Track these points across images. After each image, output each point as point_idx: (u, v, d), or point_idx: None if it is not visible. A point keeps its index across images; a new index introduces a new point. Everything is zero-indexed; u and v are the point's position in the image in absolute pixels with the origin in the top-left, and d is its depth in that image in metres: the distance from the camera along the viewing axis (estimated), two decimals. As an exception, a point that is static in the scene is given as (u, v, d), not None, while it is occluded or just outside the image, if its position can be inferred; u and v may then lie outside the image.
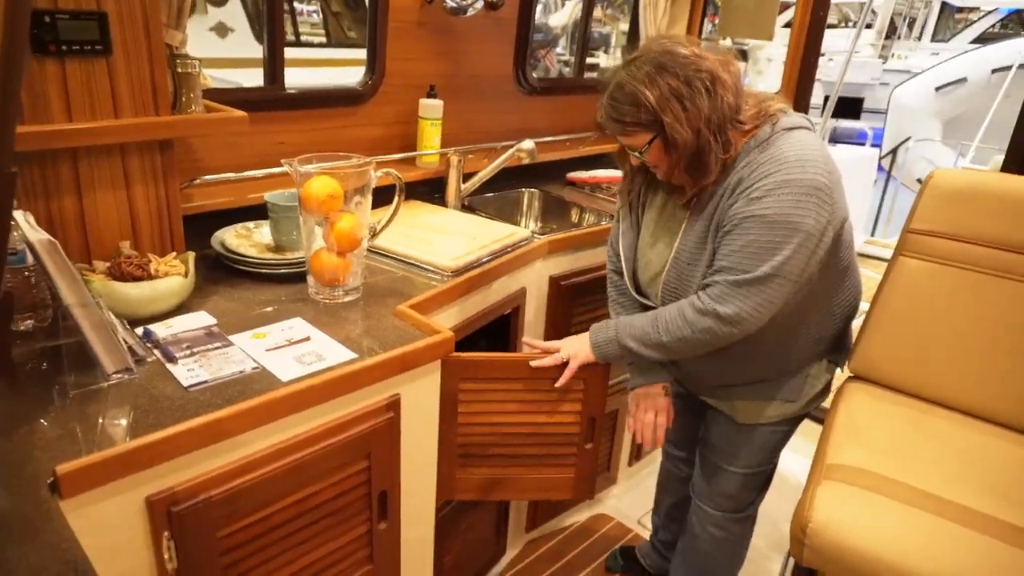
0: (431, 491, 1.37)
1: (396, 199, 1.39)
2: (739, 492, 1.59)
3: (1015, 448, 1.25)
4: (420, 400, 1.26)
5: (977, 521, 1.09)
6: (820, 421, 1.52)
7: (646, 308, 1.42)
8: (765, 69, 4.29)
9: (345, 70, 1.95)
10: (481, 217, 1.87)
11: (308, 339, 1.21)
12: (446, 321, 1.47)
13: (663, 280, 1.36)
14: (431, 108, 1.93)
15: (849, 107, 8.81)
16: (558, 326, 1.85)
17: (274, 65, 1.68)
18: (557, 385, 1.38)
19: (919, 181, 5.52)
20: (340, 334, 1.22)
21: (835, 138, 5.81)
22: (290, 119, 1.75)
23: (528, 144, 1.87)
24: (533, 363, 1.37)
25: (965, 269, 1.27)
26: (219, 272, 1.43)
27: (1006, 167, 1.87)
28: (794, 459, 2.13)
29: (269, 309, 1.30)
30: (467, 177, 1.97)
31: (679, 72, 1.16)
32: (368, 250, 1.59)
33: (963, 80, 5.80)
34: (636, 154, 1.25)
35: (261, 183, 1.63)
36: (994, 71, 5.67)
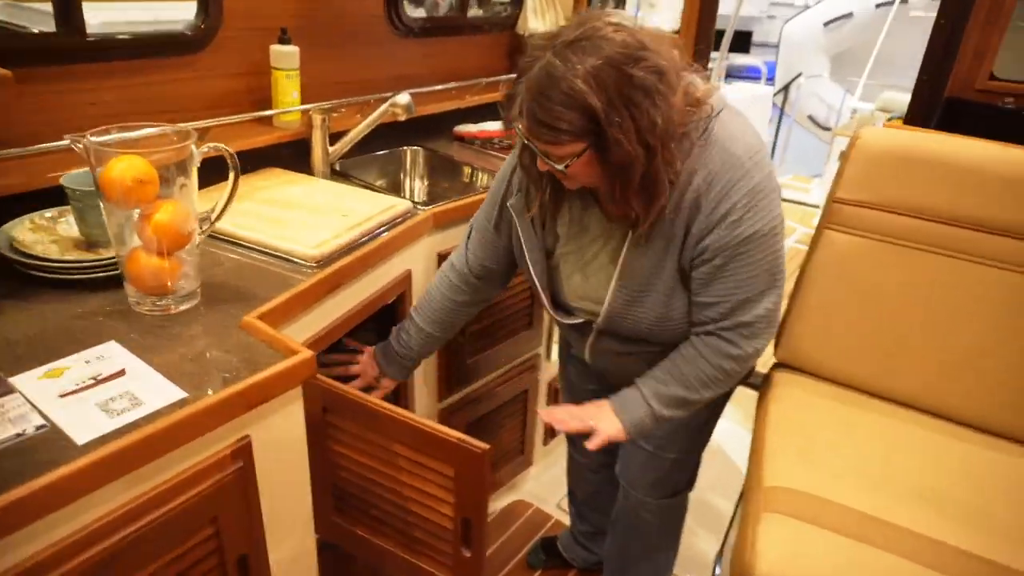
0: (307, 537, 1.12)
1: (230, 179, 1.09)
2: (671, 475, 1.45)
3: (960, 446, 1.14)
4: (279, 437, 1.00)
5: (934, 555, 0.97)
6: (754, 387, 1.37)
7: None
8: (658, 1, 4.08)
9: (174, 4, 1.56)
10: (354, 186, 1.59)
11: (122, 373, 0.91)
12: (313, 324, 1.20)
13: (607, 311, 1.17)
14: (284, 56, 1.60)
15: (738, 41, 8.85)
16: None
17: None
18: (592, 447, 1.17)
19: (811, 119, 5.58)
20: (167, 362, 0.93)
21: (729, 74, 5.75)
22: (101, 74, 1.38)
23: (403, 98, 1.59)
24: (558, 427, 1.21)
25: (898, 244, 1.13)
26: (7, 280, 1.09)
27: (911, 119, 1.75)
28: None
29: (74, 331, 0.99)
30: (336, 138, 1.67)
31: (629, 71, 0.91)
32: (211, 237, 1.29)
33: (849, 15, 5.84)
34: (560, 167, 1.00)
35: (66, 159, 1.28)
36: (878, 6, 5.73)
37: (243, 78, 1.62)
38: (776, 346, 1.24)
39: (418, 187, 1.99)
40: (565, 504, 2.09)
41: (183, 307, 1.08)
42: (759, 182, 1.02)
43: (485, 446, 1.01)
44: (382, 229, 1.39)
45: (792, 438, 1.13)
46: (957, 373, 1.12)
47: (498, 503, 2.07)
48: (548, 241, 1.21)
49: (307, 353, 0.97)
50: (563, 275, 1.22)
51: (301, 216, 1.36)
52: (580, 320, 1.23)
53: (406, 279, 1.46)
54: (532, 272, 1.21)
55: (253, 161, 1.61)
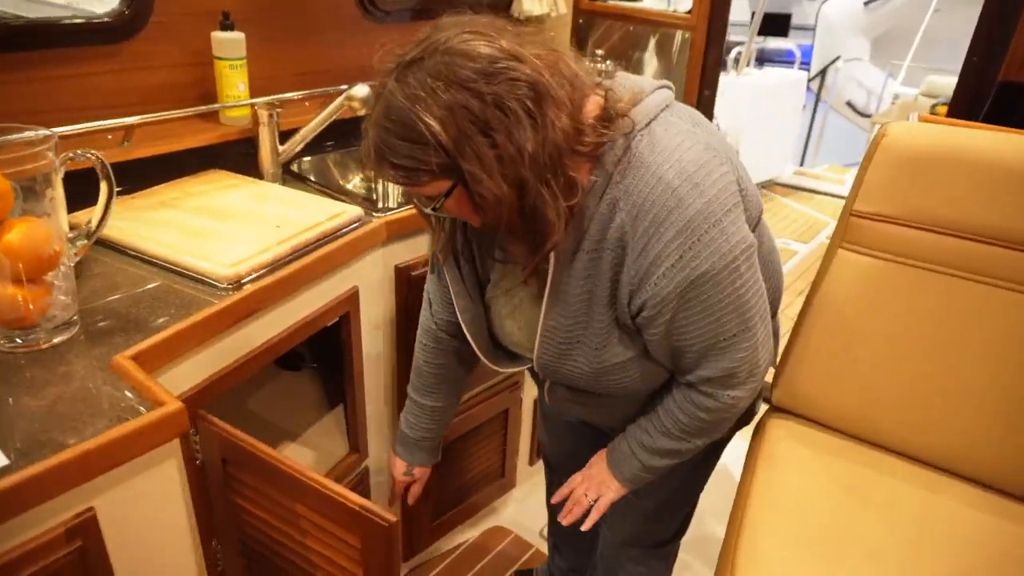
0: None
1: (103, 192, 0.92)
2: (651, 527, 1.28)
3: (984, 517, 0.91)
4: (145, 505, 0.84)
5: None
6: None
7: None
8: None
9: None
10: (308, 190, 1.42)
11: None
12: (223, 356, 1.04)
13: (537, 362, 1.01)
14: (227, 44, 1.44)
15: (776, 24, 8.41)
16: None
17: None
18: (585, 528, 1.11)
19: (849, 105, 5.24)
20: (2, 417, 0.78)
21: (762, 58, 5.40)
22: (8, 65, 1.23)
23: (361, 90, 1.41)
24: (563, 519, 1.13)
25: (931, 269, 0.90)
26: None
27: (956, 107, 1.50)
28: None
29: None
30: (290, 137, 1.50)
31: (484, 90, 0.73)
32: (120, 253, 1.14)
33: (892, -7, 5.48)
34: (428, 210, 0.86)
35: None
36: (924, -17, 5.35)
37: (184, 69, 1.46)
38: (773, 386, 1.04)
39: (394, 190, 1.82)
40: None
41: (57, 339, 0.93)
42: (699, 211, 0.80)
43: (392, 518, 0.84)
44: (323, 241, 1.22)
45: (778, 514, 0.92)
46: (1003, 434, 0.90)
47: (475, 530, 1.90)
48: (482, 283, 1.05)
49: (175, 406, 0.81)
50: (495, 320, 1.05)
51: (229, 228, 1.20)
52: (525, 367, 1.06)
53: (352, 297, 1.29)
54: (460, 320, 1.03)
55: (198, 161, 1.46)
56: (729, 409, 0.96)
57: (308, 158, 1.64)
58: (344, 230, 1.27)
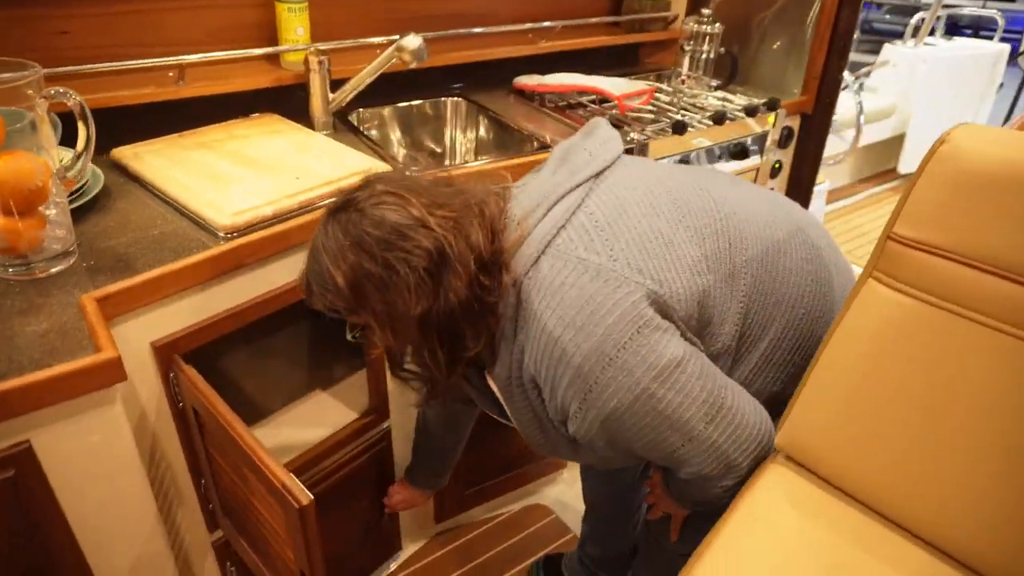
0: (154, 543, 0.98)
1: (82, 133, 0.93)
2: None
3: None
4: (88, 445, 0.85)
5: None
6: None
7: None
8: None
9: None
10: (351, 143, 1.38)
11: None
12: (204, 307, 1.03)
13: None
14: (287, -15, 1.41)
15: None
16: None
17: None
18: (673, 539, 1.12)
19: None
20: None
21: (955, 27, 4.61)
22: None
23: (412, 42, 1.34)
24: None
25: (974, 320, 0.68)
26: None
27: None
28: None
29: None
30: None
31: (382, 256, 0.79)
32: (143, 188, 1.17)
33: None
34: (349, 336, 0.91)
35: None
36: None
37: (247, 10, 1.46)
38: (778, 426, 0.86)
39: (452, 146, 1.75)
40: (590, 522, 1.83)
41: (55, 269, 0.96)
42: (586, 356, 0.79)
43: (305, 500, 0.80)
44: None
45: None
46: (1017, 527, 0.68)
47: (512, 505, 1.85)
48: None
49: (109, 355, 0.80)
50: None
51: (250, 175, 1.19)
52: None
53: (368, 257, 1.25)
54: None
55: (260, 104, 1.47)
56: (738, 480, 0.88)
57: (369, 109, 1.60)
58: (368, 187, 1.22)
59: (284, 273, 1.13)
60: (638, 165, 0.96)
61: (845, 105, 3.26)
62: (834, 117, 2.41)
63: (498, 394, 0.94)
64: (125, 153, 1.25)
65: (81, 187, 1.10)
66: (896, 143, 3.72)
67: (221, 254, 1.02)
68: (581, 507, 1.84)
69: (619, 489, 1.44)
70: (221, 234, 1.05)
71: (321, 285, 0.82)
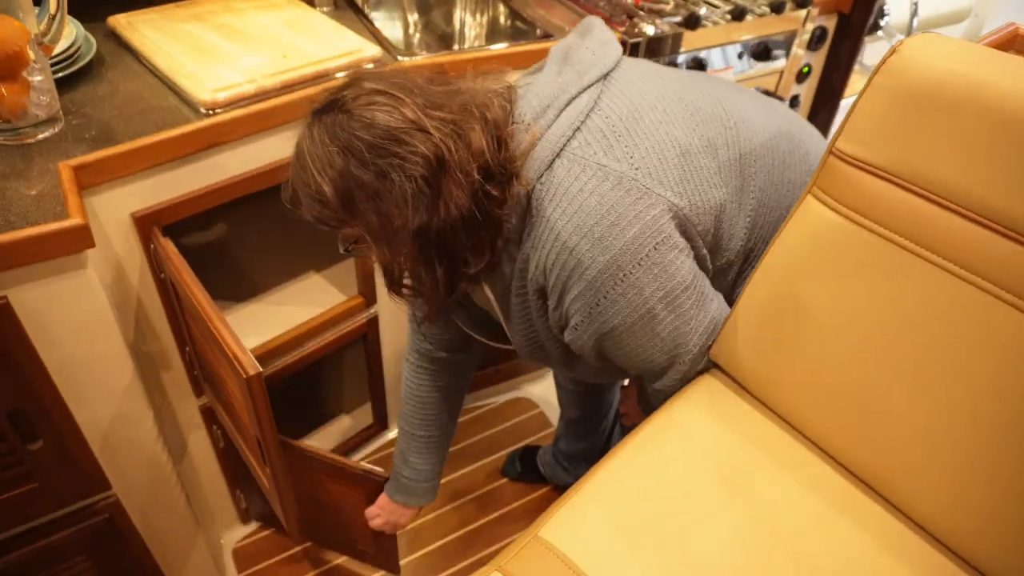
0: (133, 402, 1.06)
1: (52, 3, 0.92)
2: None
3: (888, 560, 0.71)
4: (63, 303, 0.90)
5: None
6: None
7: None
8: None
9: None
10: (347, 22, 1.35)
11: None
12: (184, 181, 1.06)
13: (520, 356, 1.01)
14: None
15: None
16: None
17: None
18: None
19: None
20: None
21: None
22: None
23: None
24: None
25: (906, 248, 0.64)
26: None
27: None
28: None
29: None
30: (348, -41, 1.41)
31: (374, 162, 0.71)
32: (133, 57, 1.18)
33: None
34: (342, 249, 0.85)
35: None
36: None
37: None
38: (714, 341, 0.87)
39: (461, 30, 1.69)
40: (573, 418, 1.90)
41: (42, 135, 0.99)
42: (602, 270, 0.76)
43: (254, 370, 0.85)
44: (322, 79, 1.17)
45: (627, 482, 0.77)
46: (930, 461, 0.68)
47: (498, 398, 1.92)
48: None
49: (76, 221, 0.84)
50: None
51: (237, 50, 1.18)
52: None
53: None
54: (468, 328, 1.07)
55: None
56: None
57: (377, -13, 1.55)
58: (353, 69, 1.20)
59: (270, 152, 1.14)
60: (643, 68, 0.90)
61: (903, 5, 3.00)
62: (886, 18, 2.24)
63: (494, 304, 0.92)
64: (120, 21, 1.24)
65: (72, 54, 1.11)
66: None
67: (199, 130, 1.03)
68: (564, 403, 1.92)
69: (592, 391, 1.48)
70: (202, 109, 1.06)
71: (308, 195, 0.76)
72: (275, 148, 1.14)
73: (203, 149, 1.05)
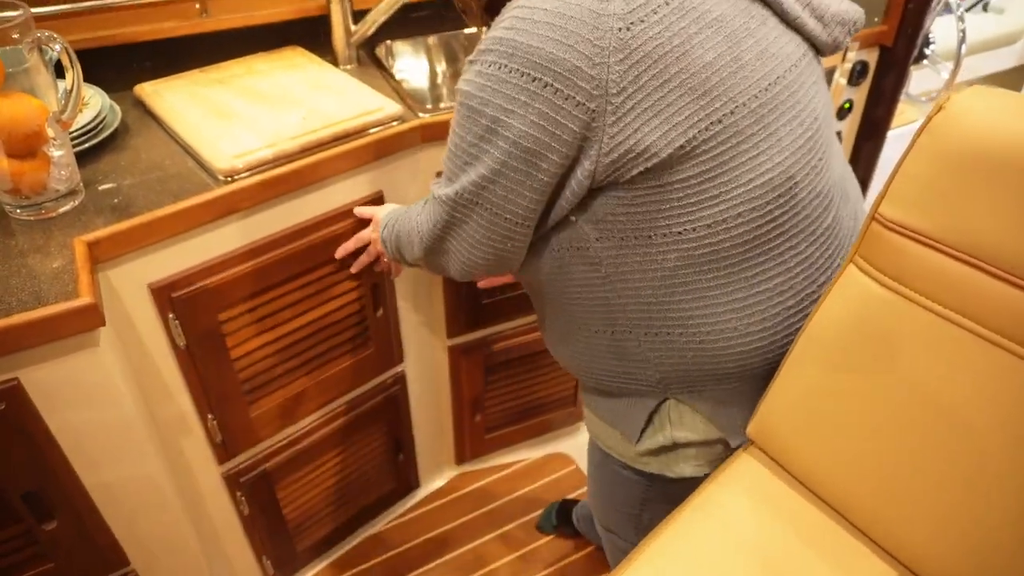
0: (145, 464, 1.03)
1: (68, 78, 0.92)
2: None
3: None
4: (76, 386, 0.88)
5: None
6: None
7: None
8: None
9: None
10: (371, 80, 1.34)
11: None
12: (193, 253, 1.04)
13: None
14: (310, -89, 1.35)
15: None
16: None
17: None
18: None
19: None
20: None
21: None
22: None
23: (432, -30, 1.26)
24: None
25: (959, 324, 0.58)
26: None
27: None
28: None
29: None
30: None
31: None
32: (162, 127, 1.18)
33: None
34: None
35: None
36: None
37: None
38: (752, 416, 0.79)
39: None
40: (612, 473, 1.82)
41: (63, 209, 0.99)
42: (503, 39, 0.67)
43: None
44: (343, 140, 1.15)
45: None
46: (993, 555, 0.60)
47: (533, 452, 1.85)
48: None
49: (86, 301, 0.82)
50: None
51: (258, 113, 1.17)
52: None
53: (374, 202, 1.22)
54: None
55: (290, 35, 1.44)
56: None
57: (402, 40, 1.54)
58: (376, 129, 1.18)
59: (291, 215, 1.12)
60: None
61: (949, 31, 2.88)
62: (932, 46, 2.14)
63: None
64: (145, 90, 1.25)
65: (96, 125, 1.12)
66: (1019, 75, 3.29)
67: (217, 198, 1.01)
68: (605, 457, 1.84)
69: None
70: (220, 177, 1.05)
71: None
72: (295, 211, 1.12)
73: (221, 216, 1.03)
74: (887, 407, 0.64)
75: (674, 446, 0.85)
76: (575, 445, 1.88)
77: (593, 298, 0.80)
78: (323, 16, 1.41)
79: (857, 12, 0.79)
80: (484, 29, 0.82)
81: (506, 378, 1.65)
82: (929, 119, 0.58)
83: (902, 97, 1.90)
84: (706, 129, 0.65)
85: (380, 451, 1.54)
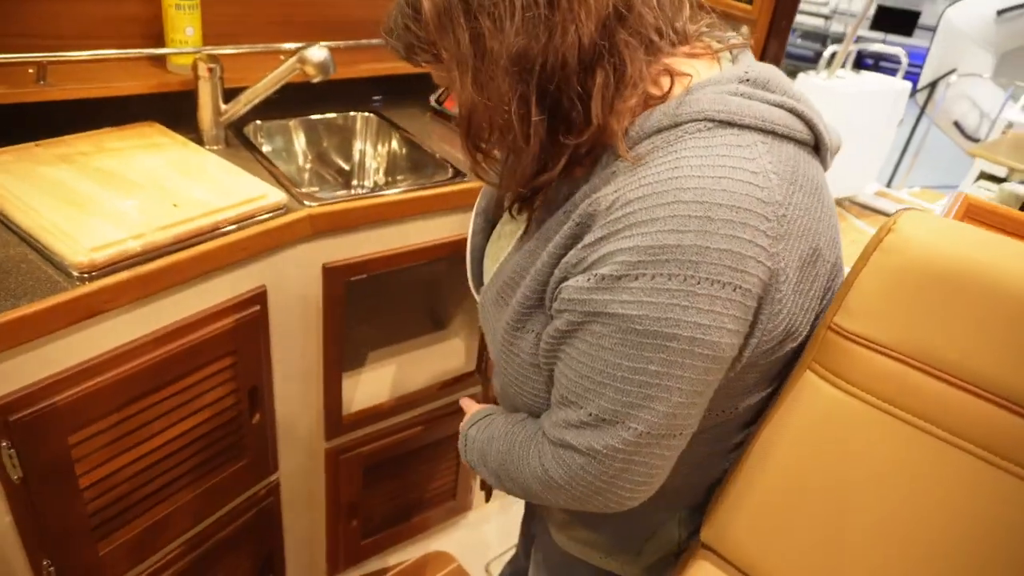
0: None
1: None
2: None
3: None
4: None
5: None
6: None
7: None
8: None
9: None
10: (243, 162, 1.23)
11: None
12: (38, 367, 0.87)
13: (480, 303, 0.84)
14: (176, -21, 1.25)
15: (900, 20, 7.53)
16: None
17: None
18: None
19: (956, 125, 4.62)
20: None
21: (863, 61, 4.79)
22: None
23: (317, 54, 1.20)
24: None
25: (916, 426, 0.63)
26: None
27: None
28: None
29: None
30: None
31: None
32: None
33: (1033, 5, 4.79)
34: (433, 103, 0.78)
35: None
36: (1072, -2, 4.66)
37: (131, 3, 1.29)
38: (705, 518, 0.80)
39: (362, 164, 1.62)
40: (496, 567, 1.74)
41: None
42: (677, 246, 0.57)
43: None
44: (227, 229, 1.04)
45: None
46: None
47: (413, 551, 1.73)
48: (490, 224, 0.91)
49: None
50: (486, 252, 0.89)
51: (118, 200, 1.03)
52: None
53: (257, 298, 1.11)
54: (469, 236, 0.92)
55: (141, 110, 1.29)
56: (560, 489, 0.70)
57: (270, 121, 1.45)
58: (259, 219, 1.08)
59: (166, 314, 0.98)
60: None
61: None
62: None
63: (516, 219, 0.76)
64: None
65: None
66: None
67: (71, 300, 0.86)
68: (485, 554, 1.76)
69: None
70: (75, 273, 0.89)
71: (403, 14, 0.66)
72: (164, 312, 0.98)
73: (76, 321, 0.87)
74: (847, 508, 0.66)
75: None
76: (455, 541, 1.78)
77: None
78: (185, 92, 1.29)
79: (840, 139, 0.80)
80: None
81: (387, 477, 1.55)
82: (880, 239, 0.62)
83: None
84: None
85: (249, 573, 1.35)
